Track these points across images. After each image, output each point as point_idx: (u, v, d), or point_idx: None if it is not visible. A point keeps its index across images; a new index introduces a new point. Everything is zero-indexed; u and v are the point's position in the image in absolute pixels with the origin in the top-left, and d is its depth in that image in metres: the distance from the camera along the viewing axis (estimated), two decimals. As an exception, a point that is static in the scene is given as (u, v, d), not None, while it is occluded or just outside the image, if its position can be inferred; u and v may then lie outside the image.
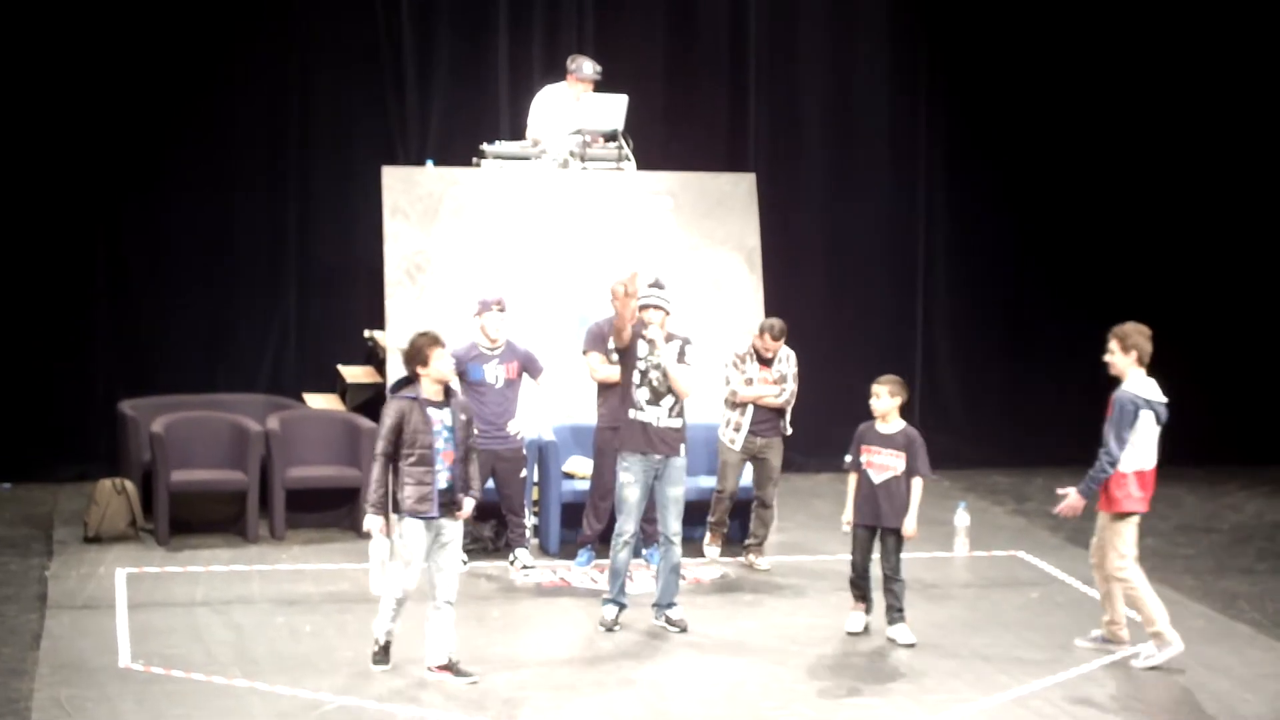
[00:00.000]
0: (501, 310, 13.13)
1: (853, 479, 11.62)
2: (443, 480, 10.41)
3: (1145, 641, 11.15)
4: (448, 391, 10.57)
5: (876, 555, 11.64)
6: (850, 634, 11.66)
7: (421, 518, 10.37)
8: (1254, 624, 12.15)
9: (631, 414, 11.69)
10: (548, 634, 11.61)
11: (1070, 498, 11.30)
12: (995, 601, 12.61)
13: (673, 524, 11.67)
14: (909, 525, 11.47)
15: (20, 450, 15.84)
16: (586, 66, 14.89)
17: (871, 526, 11.57)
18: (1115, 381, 11.25)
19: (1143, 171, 18.07)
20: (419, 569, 10.45)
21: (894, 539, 11.52)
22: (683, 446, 11.72)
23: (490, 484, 13.17)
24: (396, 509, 10.45)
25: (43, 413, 15.98)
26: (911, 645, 11.48)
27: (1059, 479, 16.72)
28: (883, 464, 11.51)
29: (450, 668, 10.53)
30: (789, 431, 13.49)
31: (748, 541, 13.47)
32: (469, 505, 10.58)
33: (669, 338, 11.72)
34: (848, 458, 11.66)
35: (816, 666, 11.02)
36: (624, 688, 10.55)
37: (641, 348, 11.72)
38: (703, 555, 13.50)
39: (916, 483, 11.50)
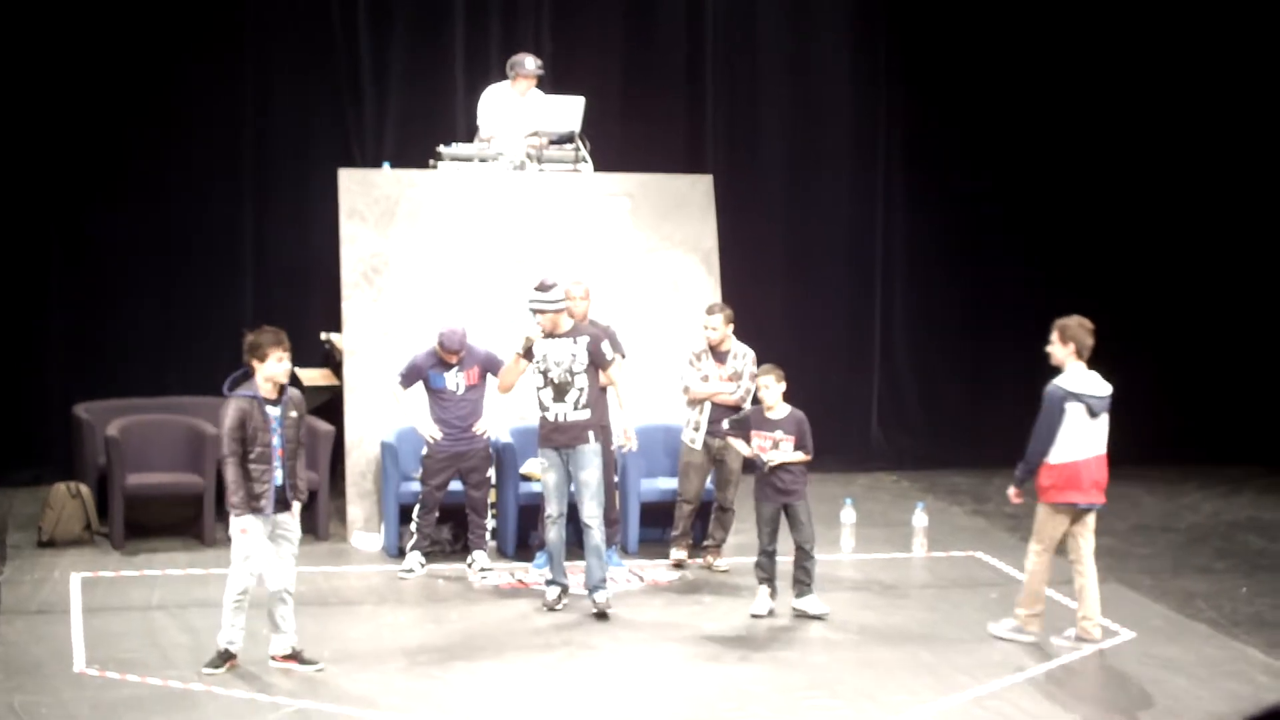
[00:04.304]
0: (460, 355, 13.10)
1: (740, 443, 12.20)
2: (279, 477, 10.52)
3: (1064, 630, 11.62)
4: (281, 388, 10.60)
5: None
6: (755, 616, 11.99)
7: (260, 514, 10.48)
8: (1211, 623, 12.18)
9: (539, 414, 12.13)
10: (505, 636, 11.58)
11: (1010, 491, 11.81)
12: (954, 602, 12.62)
13: (587, 508, 12.07)
14: (781, 456, 11.96)
15: (-26, 455, 15.79)
16: (528, 62, 14.88)
17: (778, 506, 12.01)
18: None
19: (1104, 171, 18.16)
20: (258, 564, 10.56)
21: (801, 507, 12.02)
22: (590, 434, 12.08)
23: (454, 485, 13.18)
24: (233, 506, 10.50)
25: (-4, 417, 15.93)
26: (824, 616, 11.96)
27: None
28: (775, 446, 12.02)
29: (295, 657, 10.71)
30: (747, 430, 13.49)
31: (706, 543, 13.48)
32: (297, 507, 10.71)
33: (572, 331, 12.14)
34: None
35: (775, 667, 11.01)
36: (582, 690, 10.53)
37: (536, 349, 12.13)
38: (666, 557, 13.49)
39: (799, 454, 12.01)
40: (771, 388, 12.10)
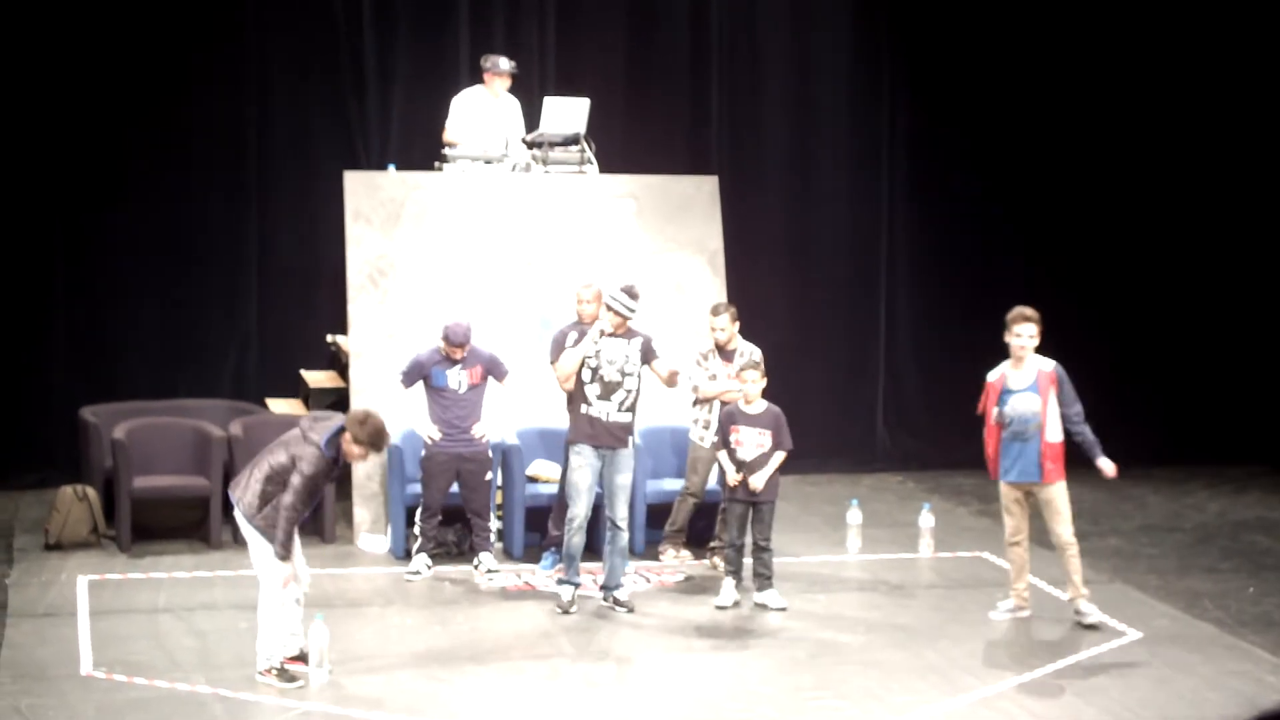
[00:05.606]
0: (464, 349, 13.05)
1: (724, 455, 12.28)
2: None
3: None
4: None
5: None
6: (720, 608, 12.20)
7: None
8: (1218, 623, 12.18)
9: (582, 409, 12.17)
10: (512, 638, 11.58)
11: (1107, 463, 11.92)
12: (960, 602, 12.62)
13: (620, 510, 12.22)
14: (757, 482, 12.14)
15: (-20, 457, 15.79)
16: (502, 62, 14.90)
17: (746, 502, 12.23)
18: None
19: (1108, 169, 18.09)
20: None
21: (767, 508, 12.24)
22: (630, 438, 12.23)
23: (454, 488, 13.17)
24: (253, 521, 10.48)
25: (2, 419, 15.89)
26: (783, 609, 12.15)
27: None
28: (753, 442, 12.19)
29: (301, 659, 10.61)
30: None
31: (712, 544, 13.45)
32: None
33: (628, 333, 12.24)
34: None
35: (780, 668, 11.02)
36: (589, 691, 10.55)
37: (591, 345, 12.18)
38: (658, 560, 13.49)
39: (778, 454, 12.23)
40: (754, 382, 12.27)
